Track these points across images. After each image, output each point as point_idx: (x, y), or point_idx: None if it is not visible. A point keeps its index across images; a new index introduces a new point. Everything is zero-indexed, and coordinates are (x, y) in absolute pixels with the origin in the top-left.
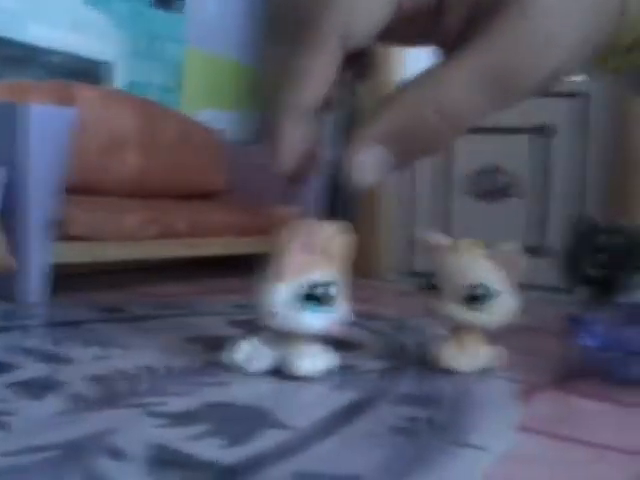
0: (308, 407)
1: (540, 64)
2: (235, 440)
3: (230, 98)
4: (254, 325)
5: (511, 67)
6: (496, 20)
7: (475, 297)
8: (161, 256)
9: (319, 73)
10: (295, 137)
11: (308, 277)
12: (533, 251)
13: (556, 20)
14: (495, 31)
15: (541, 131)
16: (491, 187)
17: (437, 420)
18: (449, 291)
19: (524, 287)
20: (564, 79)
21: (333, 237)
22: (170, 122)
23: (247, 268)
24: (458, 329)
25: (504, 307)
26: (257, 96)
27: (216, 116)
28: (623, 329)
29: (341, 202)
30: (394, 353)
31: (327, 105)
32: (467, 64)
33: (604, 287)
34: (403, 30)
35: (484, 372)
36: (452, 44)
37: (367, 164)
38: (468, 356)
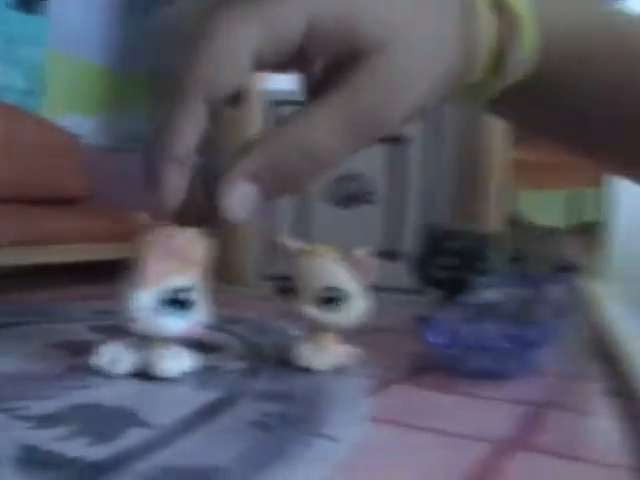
0: (171, 406)
1: (397, 105)
2: (101, 439)
3: (93, 103)
4: (117, 330)
5: (370, 110)
6: (355, 67)
7: (329, 299)
8: (18, 263)
9: (185, 128)
10: (174, 183)
11: (169, 282)
12: (388, 255)
13: (411, 62)
14: (354, 78)
15: (397, 139)
16: (349, 194)
17: (293, 414)
18: (305, 294)
19: (379, 289)
20: (425, 111)
21: (193, 243)
22: (29, 127)
23: (106, 274)
24: (314, 330)
25: (357, 308)
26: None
27: (78, 121)
28: (466, 327)
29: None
30: (253, 354)
31: (203, 147)
32: (329, 111)
33: (451, 288)
34: (271, 67)
35: (339, 370)
36: (316, 87)
37: (237, 200)
38: (323, 355)
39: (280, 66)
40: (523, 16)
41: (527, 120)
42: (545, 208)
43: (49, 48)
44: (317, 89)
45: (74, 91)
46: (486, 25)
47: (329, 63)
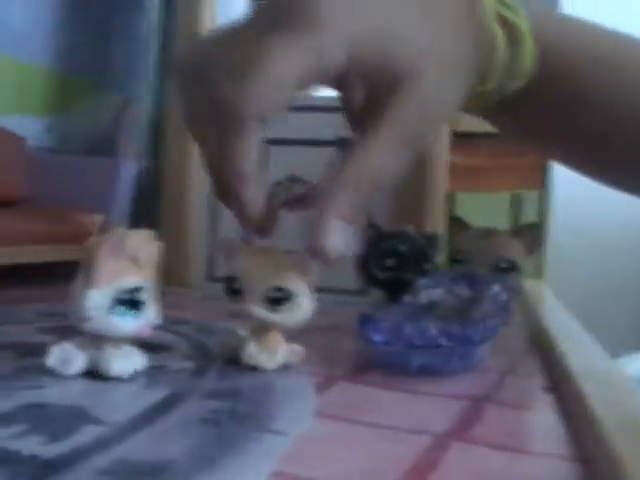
0: (123, 404)
1: (437, 120)
2: (54, 437)
3: (37, 104)
4: (66, 330)
5: (416, 130)
6: (395, 98)
7: (275, 299)
8: None
9: (249, 146)
10: (254, 198)
11: (118, 283)
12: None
13: (443, 82)
14: (397, 104)
15: (339, 143)
16: (294, 196)
17: (241, 411)
18: (251, 294)
19: (323, 290)
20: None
21: (142, 244)
22: None
23: (48, 276)
24: (259, 329)
25: (301, 308)
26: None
27: (22, 122)
28: (408, 325)
29: (146, 211)
30: (200, 354)
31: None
32: (382, 139)
33: (394, 289)
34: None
35: (284, 368)
36: (357, 110)
37: (337, 240)
38: (268, 354)
39: (323, 85)
40: (524, 31)
41: (522, 125)
42: (487, 210)
43: None
44: (359, 112)
45: (17, 92)
46: (498, 40)
47: (368, 88)
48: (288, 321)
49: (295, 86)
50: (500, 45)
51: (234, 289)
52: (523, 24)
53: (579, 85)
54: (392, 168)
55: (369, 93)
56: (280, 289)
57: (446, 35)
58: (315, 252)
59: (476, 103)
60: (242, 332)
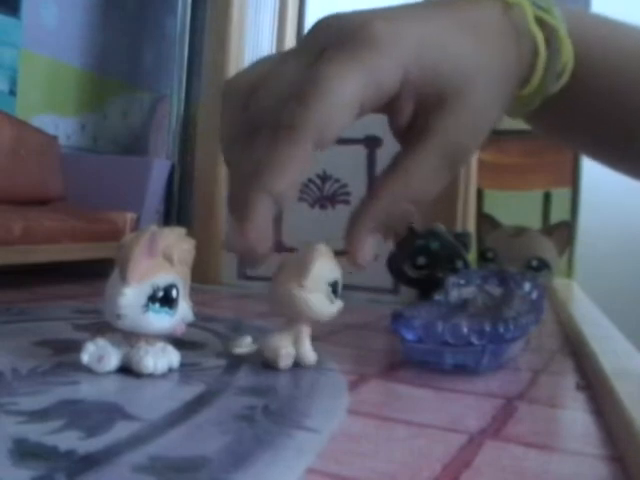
0: (157, 401)
1: (480, 135)
2: (91, 433)
3: (68, 104)
4: (100, 327)
5: (459, 146)
6: (441, 114)
7: (335, 291)
8: None
9: (296, 166)
10: (264, 219)
11: (152, 280)
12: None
13: (486, 96)
14: (443, 123)
15: (368, 141)
16: (324, 194)
17: (274, 408)
18: (313, 288)
19: (355, 288)
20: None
21: (175, 242)
22: (3, 126)
23: (83, 274)
24: (291, 326)
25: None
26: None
27: (54, 121)
28: (440, 323)
29: (178, 208)
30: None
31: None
32: (424, 156)
33: (425, 287)
34: (369, 111)
35: (317, 365)
36: (404, 131)
37: (367, 251)
38: (302, 351)
39: (375, 110)
40: (562, 32)
41: (558, 123)
42: (518, 208)
43: (23, 49)
44: (406, 130)
45: (50, 92)
46: (538, 43)
47: (416, 107)
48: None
49: (356, 110)
50: (540, 48)
51: None
52: (560, 25)
53: (613, 82)
54: (430, 189)
55: (417, 112)
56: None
57: (489, 45)
58: (350, 259)
59: (516, 106)
60: (273, 329)
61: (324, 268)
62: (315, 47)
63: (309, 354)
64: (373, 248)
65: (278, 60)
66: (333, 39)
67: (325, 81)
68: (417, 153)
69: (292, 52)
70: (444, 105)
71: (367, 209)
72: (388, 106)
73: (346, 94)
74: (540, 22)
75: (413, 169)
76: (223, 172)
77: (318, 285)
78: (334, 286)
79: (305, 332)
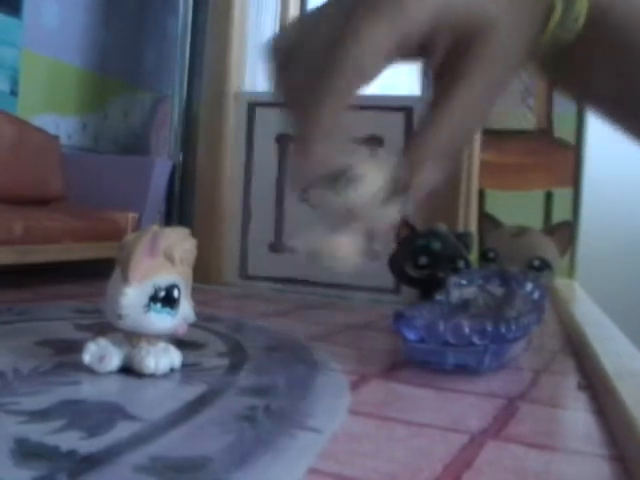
0: (158, 401)
1: (511, 69)
2: (92, 433)
3: (69, 104)
4: (101, 327)
5: (497, 76)
6: (475, 49)
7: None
8: None
9: (338, 111)
10: (329, 152)
11: (153, 280)
12: (363, 254)
13: (513, 37)
14: (478, 55)
15: (369, 141)
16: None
17: (275, 408)
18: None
19: (356, 288)
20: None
21: (176, 242)
22: (4, 126)
23: (84, 273)
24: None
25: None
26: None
27: (55, 121)
28: (442, 323)
29: (179, 208)
30: (233, 351)
31: None
32: (464, 89)
33: (425, 286)
34: (401, 58)
35: (319, 365)
36: (438, 70)
37: (427, 178)
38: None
39: (407, 56)
40: None
41: (575, 76)
42: (519, 208)
43: (24, 49)
44: (439, 73)
45: (52, 92)
46: None
47: (446, 49)
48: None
49: (388, 54)
50: None
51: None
52: None
53: (630, 34)
54: (483, 115)
55: (447, 55)
56: None
57: None
58: (408, 185)
59: (538, 51)
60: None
61: None
62: (346, 4)
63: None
64: (432, 181)
65: (316, 14)
66: None
67: (357, 29)
68: (459, 88)
69: (327, 5)
70: (474, 42)
71: (429, 136)
72: (421, 51)
73: (377, 40)
74: None
75: (466, 98)
76: (225, 173)
77: None
78: None
79: None
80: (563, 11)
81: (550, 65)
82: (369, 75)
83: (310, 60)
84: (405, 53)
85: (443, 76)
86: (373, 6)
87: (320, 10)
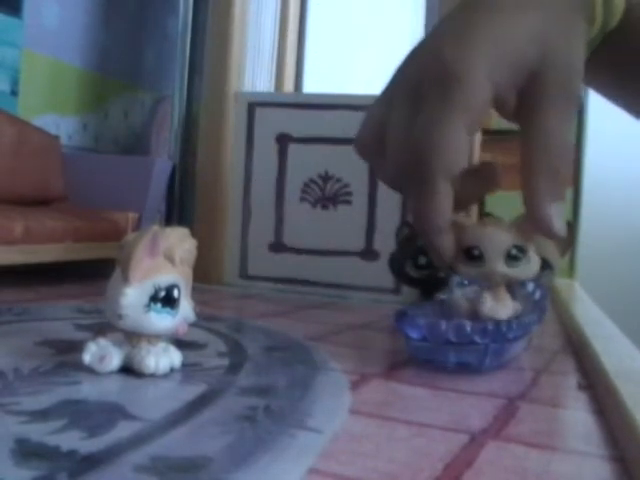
0: (158, 400)
1: (579, 74)
2: (92, 433)
3: (70, 104)
4: (101, 327)
5: (569, 91)
6: (543, 82)
7: (514, 256)
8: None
9: (443, 205)
10: (448, 245)
11: (153, 280)
12: (362, 254)
13: (573, 49)
14: (548, 84)
15: None
16: (326, 194)
17: (275, 408)
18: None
19: (357, 288)
20: None
21: (177, 242)
22: (4, 126)
23: (84, 274)
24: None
25: (533, 264)
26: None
27: (55, 121)
28: (443, 322)
29: (180, 208)
30: (233, 351)
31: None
32: (548, 115)
33: (426, 286)
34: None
35: (319, 365)
36: (516, 117)
37: (558, 219)
38: (503, 306)
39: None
40: None
41: (610, 70)
42: (521, 208)
43: (24, 49)
44: (516, 114)
45: (52, 92)
46: None
47: (517, 93)
48: (524, 275)
49: (466, 139)
50: None
51: (474, 256)
52: None
53: None
54: (566, 134)
55: (519, 96)
56: (519, 248)
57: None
58: (542, 228)
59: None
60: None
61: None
62: (410, 92)
63: (507, 307)
64: (560, 214)
65: (385, 110)
66: (422, 79)
67: (436, 128)
68: (542, 120)
69: (395, 99)
70: (539, 79)
71: (536, 182)
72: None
73: (457, 137)
74: None
75: (548, 130)
76: (225, 173)
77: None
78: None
79: (503, 289)
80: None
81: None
82: (461, 157)
83: (397, 155)
84: (480, 123)
85: (522, 120)
86: (442, 98)
87: (387, 99)
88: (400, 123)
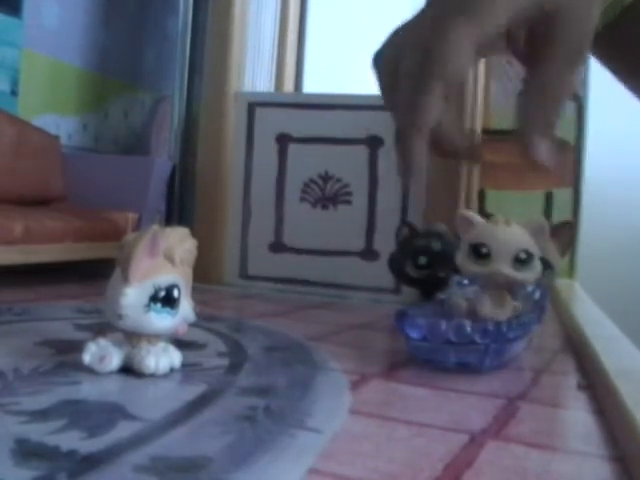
0: (158, 400)
1: (589, 35)
2: (92, 433)
3: (70, 104)
4: (101, 327)
5: (577, 47)
6: (556, 28)
7: (521, 260)
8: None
9: (434, 104)
10: (421, 148)
11: (153, 280)
12: (362, 254)
13: (586, 6)
14: (559, 33)
15: (369, 142)
16: (326, 195)
17: (275, 408)
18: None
19: (357, 288)
20: None
21: (177, 242)
22: (4, 126)
23: (83, 274)
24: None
25: (537, 268)
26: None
27: (55, 121)
28: (444, 322)
29: (180, 208)
30: (233, 351)
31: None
32: (553, 60)
33: (426, 286)
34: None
35: (319, 365)
36: (524, 56)
37: (547, 151)
38: (501, 308)
39: (493, 50)
40: None
41: (622, 48)
42: (519, 208)
43: (24, 49)
44: (524, 53)
45: (52, 92)
46: None
47: (528, 32)
48: (528, 279)
49: (471, 52)
50: None
51: (482, 254)
52: None
53: None
54: (564, 86)
55: (530, 35)
56: (527, 252)
57: None
58: (530, 157)
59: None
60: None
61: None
62: (436, 8)
63: (505, 310)
64: (548, 147)
65: (410, 22)
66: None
67: (443, 33)
68: (547, 62)
69: (419, 15)
70: (553, 22)
71: (533, 114)
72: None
73: (458, 40)
74: None
75: (550, 71)
76: (226, 172)
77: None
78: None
79: (504, 292)
80: None
81: (599, 40)
82: (457, 71)
83: (405, 57)
84: (489, 49)
85: (528, 62)
86: (458, 9)
87: (410, 22)
88: (414, 31)
